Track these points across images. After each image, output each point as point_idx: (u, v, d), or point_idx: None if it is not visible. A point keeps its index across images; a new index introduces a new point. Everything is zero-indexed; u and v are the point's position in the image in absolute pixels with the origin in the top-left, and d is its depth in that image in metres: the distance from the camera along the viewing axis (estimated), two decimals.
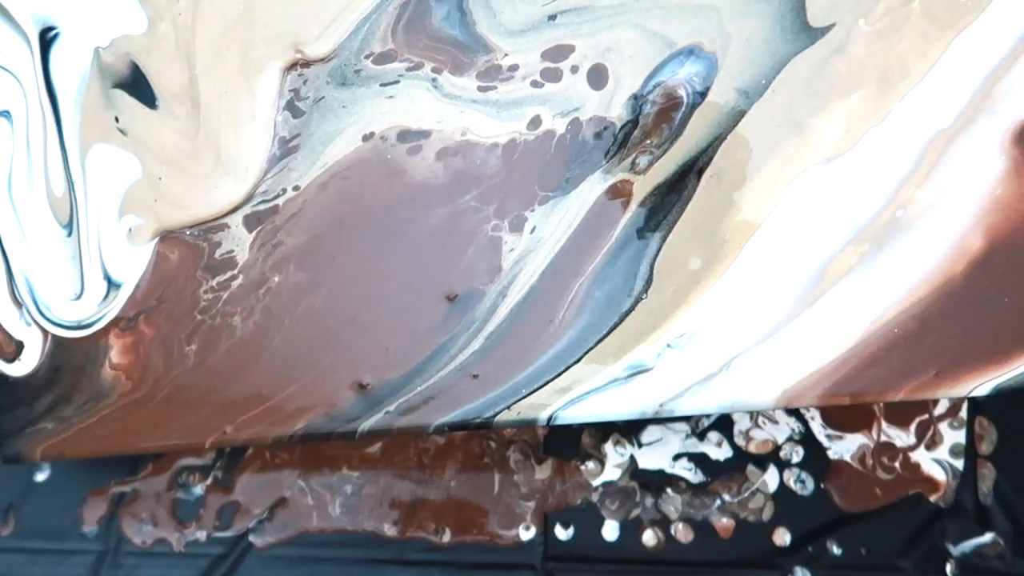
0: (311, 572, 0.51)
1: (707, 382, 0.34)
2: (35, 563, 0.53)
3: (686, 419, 0.48)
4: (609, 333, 0.34)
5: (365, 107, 0.34)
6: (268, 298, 0.36)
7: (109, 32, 0.35)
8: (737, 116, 0.33)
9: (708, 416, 0.49)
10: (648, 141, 0.33)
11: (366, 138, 0.34)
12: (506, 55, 0.33)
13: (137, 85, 0.35)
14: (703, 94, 0.33)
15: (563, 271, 0.34)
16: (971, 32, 0.32)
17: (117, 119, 0.35)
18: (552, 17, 0.33)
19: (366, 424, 0.36)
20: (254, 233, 0.36)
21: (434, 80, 0.34)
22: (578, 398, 0.35)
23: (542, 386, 0.35)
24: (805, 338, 0.34)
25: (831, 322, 0.33)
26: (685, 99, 0.33)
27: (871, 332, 0.33)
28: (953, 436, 0.49)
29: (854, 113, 0.32)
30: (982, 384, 0.33)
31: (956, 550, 0.48)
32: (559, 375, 0.35)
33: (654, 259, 0.34)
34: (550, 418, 0.35)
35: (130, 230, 0.36)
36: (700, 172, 0.33)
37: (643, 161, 0.33)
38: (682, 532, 0.49)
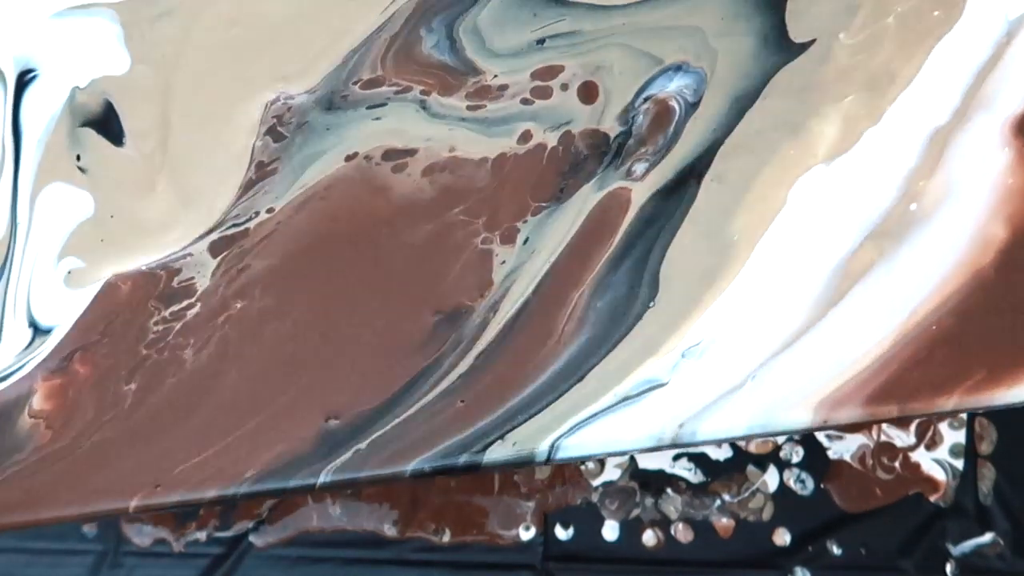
0: (311, 572, 0.55)
1: (731, 396, 0.36)
2: (35, 563, 0.57)
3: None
4: (615, 346, 0.37)
5: (350, 129, 0.39)
6: (228, 326, 0.38)
7: (89, 73, 0.40)
8: (732, 122, 0.38)
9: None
10: (643, 149, 0.38)
11: (349, 158, 0.39)
12: (496, 76, 0.39)
13: (107, 123, 0.40)
14: (695, 104, 0.38)
15: (560, 282, 0.37)
16: (949, 39, 0.38)
17: (79, 157, 0.40)
18: (540, 42, 0.40)
19: (331, 466, 0.35)
20: (219, 259, 0.39)
21: (423, 102, 0.39)
22: (583, 422, 0.36)
23: (540, 410, 0.36)
24: (835, 340, 0.36)
25: (860, 322, 0.36)
26: (677, 109, 0.38)
27: (907, 331, 0.36)
28: (953, 436, 0.54)
29: (848, 115, 0.38)
30: None
31: (956, 550, 0.53)
32: (560, 396, 0.36)
33: (659, 264, 0.37)
34: (551, 449, 0.35)
35: (69, 272, 0.39)
36: (700, 176, 0.38)
37: (639, 168, 0.38)
38: (682, 532, 0.53)
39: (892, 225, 0.38)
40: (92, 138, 0.41)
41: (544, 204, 0.39)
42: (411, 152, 0.40)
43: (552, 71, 0.41)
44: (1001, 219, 0.38)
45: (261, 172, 0.41)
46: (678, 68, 0.41)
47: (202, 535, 0.56)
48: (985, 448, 0.53)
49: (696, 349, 0.37)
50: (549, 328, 0.38)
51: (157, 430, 0.38)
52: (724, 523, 0.53)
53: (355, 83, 0.41)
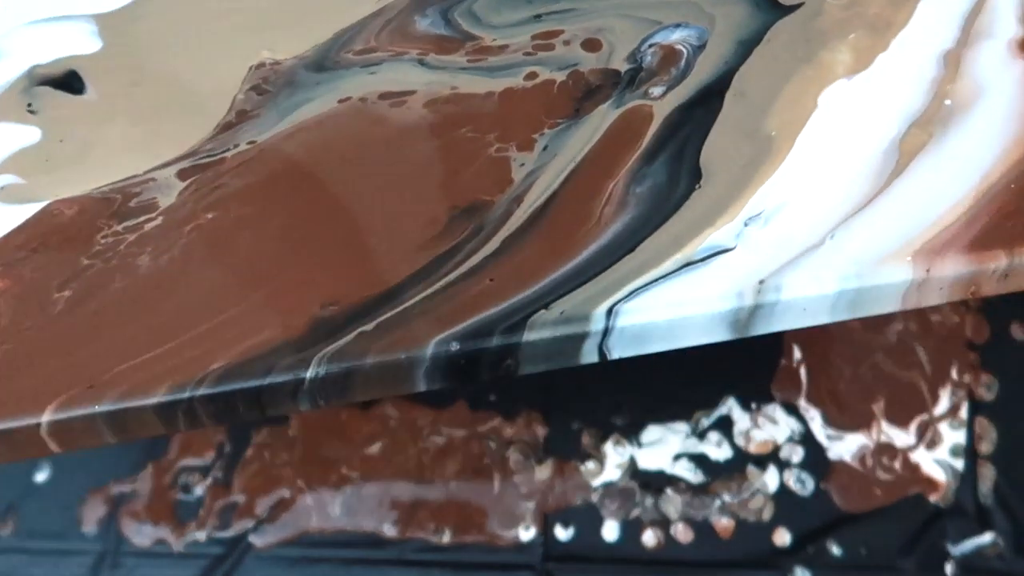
0: (311, 572, 0.59)
1: (811, 254, 0.36)
2: (35, 563, 0.62)
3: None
4: (665, 221, 0.36)
5: (343, 81, 0.42)
6: (194, 234, 0.36)
7: (53, 53, 0.43)
8: (741, 58, 0.43)
9: (708, 416, 0.61)
10: (657, 78, 0.41)
11: (342, 101, 0.41)
12: (494, 40, 0.43)
13: (68, 82, 0.42)
14: (701, 47, 0.42)
15: (591, 175, 0.39)
16: None
17: (30, 104, 0.40)
18: (538, 16, 0.45)
19: (327, 351, 0.31)
20: (188, 181, 0.38)
21: (421, 60, 0.42)
22: (643, 287, 0.34)
23: (587, 280, 0.34)
24: (912, 201, 0.37)
25: (932, 186, 0.38)
26: (685, 52, 0.44)
27: (985, 190, 0.38)
28: (953, 436, 0.60)
29: (856, 47, 0.43)
30: None
31: (956, 550, 0.57)
32: (609, 267, 0.34)
33: (697, 157, 0.40)
34: (609, 315, 0.32)
35: (2, 188, 0.37)
36: (722, 92, 0.41)
37: (656, 91, 0.41)
38: (682, 532, 0.57)
39: (933, 115, 0.42)
40: (49, 92, 0.43)
41: (560, 120, 0.41)
42: (410, 92, 0.43)
43: (551, 34, 0.46)
44: None
45: (241, 117, 0.42)
46: (678, 25, 0.46)
47: (202, 535, 0.61)
48: (985, 448, 0.59)
49: (758, 218, 0.37)
50: (585, 212, 0.38)
51: (94, 332, 0.34)
52: (724, 523, 0.57)
53: (347, 52, 0.45)
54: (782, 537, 0.59)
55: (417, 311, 0.37)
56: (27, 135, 0.43)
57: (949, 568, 0.59)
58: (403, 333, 0.36)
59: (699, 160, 0.43)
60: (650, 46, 0.49)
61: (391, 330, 0.36)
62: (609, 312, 0.37)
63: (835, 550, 0.59)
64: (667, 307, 0.37)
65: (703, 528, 0.59)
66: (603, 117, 0.45)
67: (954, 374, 0.71)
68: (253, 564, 0.62)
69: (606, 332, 0.37)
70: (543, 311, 0.37)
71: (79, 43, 0.48)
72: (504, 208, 0.41)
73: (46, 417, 0.35)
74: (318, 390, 0.36)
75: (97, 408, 0.34)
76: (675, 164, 0.43)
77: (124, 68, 0.46)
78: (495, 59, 0.48)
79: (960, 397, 0.69)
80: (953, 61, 0.48)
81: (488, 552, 0.60)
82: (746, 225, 0.40)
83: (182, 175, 0.43)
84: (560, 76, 0.47)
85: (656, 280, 0.38)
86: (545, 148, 0.44)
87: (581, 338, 0.36)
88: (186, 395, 0.35)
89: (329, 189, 0.41)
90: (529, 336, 0.36)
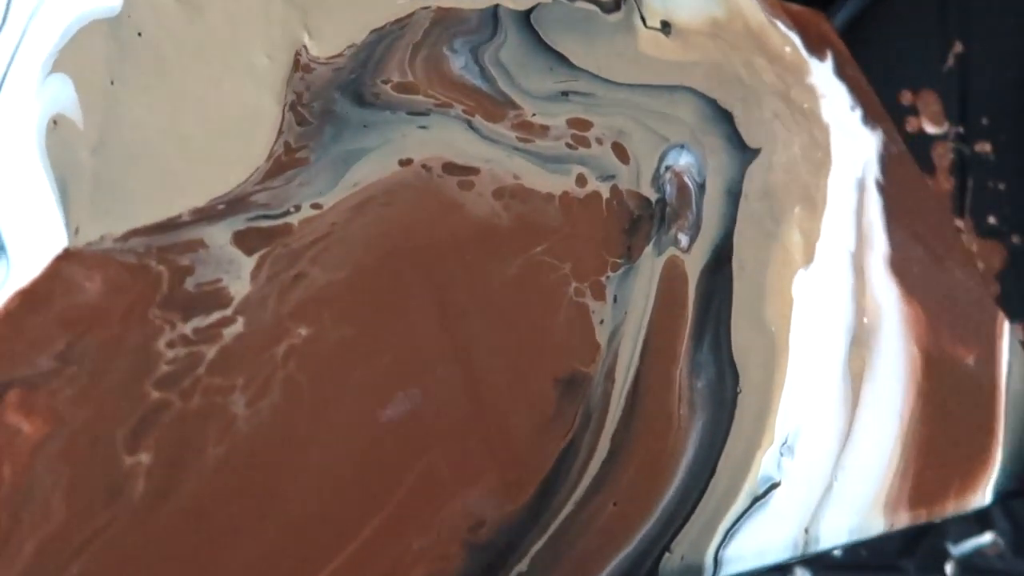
0: None
1: (829, 498, 0.37)
2: None
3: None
4: (728, 435, 0.36)
5: (393, 131, 0.35)
6: (292, 364, 0.25)
7: None
8: (732, 215, 0.42)
9: None
10: (680, 221, 0.40)
11: (403, 163, 0.32)
12: (534, 115, 0.38)
13: None
14: (702, 186, 0.41)
15: (659, 354, 0.37)
16: (832, 178, 0.49)
17: None
18: (565, 94, 0.40)
19: None
20: (256, 257, 0.27)
21: (469, 122, 0.37)
22: (732, 528, 0.34)
23: (691, 511, 0.33)
24: (871, 445, 0.40)
25: (877, 427, 0.41)
26: (692, 187, 0.42)
27: (904, 437, 0.42)
28: None
29: (802, 226, 0.45)
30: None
31: (956, 550, 0.59)
32: (703, 494, 0.33)
33: (730, 347, 0.39)
34: (716, 563, 0.31)
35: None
36: (729, 259, 0.40)
37: (684, 240, 0.40)
38: None
39: (860, 335, 0.46)
40: None
41: (619, 260, 0.37)
42: (473, 171, 0.35)
43: (584, 124, 0.41)
44: (913, 340, 0.49)
45: (291, 157, 0.30)
46: (682, 147, 0.44)
47: None
48: None
49: (787, 448, 0.39)
50: (666, 410, 0.36)
51: (196, 547, 0.22)
52: None
53: (385, 83, 0.35)
54: None
55: (563, 544, 0.31)
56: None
57: (949, 568, 0.58)
58: None
59: (732, 352, 0.42)
60: (666, 169, 0.46)
61: (546, 571, 0.30)
62: (716, 559, 0.35)
63: (835, 550, 0.57)
64: (754, 557, 0.37)
65: None
66: (652, 265, 0.42)
67: None
68: None
69: (714, 574, 0.35)
70: (668, 554, 0.34)
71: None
72: (602, 387, 0.36)
73: None
74: None
75: None
76: (717, 353, 0.41)
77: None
78: (543, 144, 0.41)
79: None
80: (858, 267, 0.53)
81: None
82: (782, 455, 0.41)
83: (242, 244, 0.29)
84: (604, 189, 0.42)
85: (738, 519, 0.37)
86: (615, 300, 0.39)
87: (698, 573, 0.34)
88: None
89: (429, 315, 0.32)
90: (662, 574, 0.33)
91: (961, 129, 0.76)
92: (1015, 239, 0.74)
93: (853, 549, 0.62)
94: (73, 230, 0.27)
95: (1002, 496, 0.51)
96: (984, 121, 0.77)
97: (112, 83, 0.30)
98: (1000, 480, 0.54)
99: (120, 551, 0.23)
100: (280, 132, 0.33)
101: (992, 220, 0.74)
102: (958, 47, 0.79)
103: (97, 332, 0.26)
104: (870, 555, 0.62)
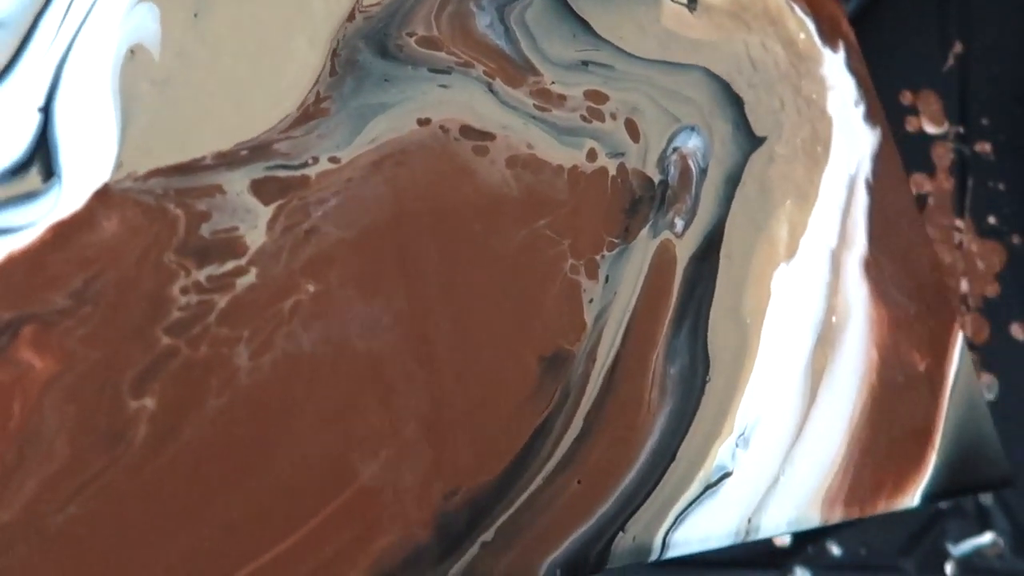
0: None
1: (774, 492, 0.38)
2: None
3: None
4: (691, 422, 0.36)
5: (414, 88, 0.34)
6: (297, 320, 0.25)
7: None
8: (727, 202, 0.42)
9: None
10: (678, 204, 0.40)
11: (422, 123, 0.32)
12: (553, 83, 0.38)
13: None
14: (705, 171, 0.41)
15: (640, 337, 0.38)
16: (826, 174, 0.49)
17: None
18: (585, 64, 0.39)
19: (456, 568, 0.26)
20: (273, 207, 0.26)
21: (490, 85, 0.37)
22: (682, 513, 0.35)
23: (648, 495, 0.34)
24: (820, 442, 0.41)
25: (828, 425, 0.42)
26: (694, 171, 0.42)
27: (851, 437, 0.43)
28: None
29: (790, 219, 0.46)
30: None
31: (956, 550, 0.58)
32: (661, 479, 0.34)
33: (706, 336, 0.39)
34: (664, 545, 0.33)
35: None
36: (717, 249, 0.40)
37: (679, 224, 0.40)
38: None
39: (827, 333, 0.47)
40: None
41: (615, 240, 0.37)
42: (490, 136, 0.35)
43: (600, 96, 0.41)
44: (873, 342, 0.50)
45: (316, 107, 0.30)
46: (692, 129, 0.44)
47: None
48: None
49: (744, 439, 0.39)
50: (638, 394, 0.36)
51: (192, 494, 0.22)
52: None
53: (410, 35, 0.34)
54: (782, 537, 0.57)
55: (527, 518, 0.32)
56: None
57: (949, 568, 0.57)
58: (519, 552, 0.31)
59: (708, 340, 0.42)
60: (674, 150, 0.45)
61: (508, 543, 0.31)
62: (664, 542, 0.36)
63: (835, 550, 0.56)
64: (698, 543, 0.38)
65: None
66: (645, 246, 0.41)
67: None
68: None
69: (660, 556, 0.36)
70: (621, 534, 0.35)
71: None
72: (582, 367, 0.36)
73: None
74: None
75: None
76: (693, 342, 0.41)
77: None
78: (559, 115, 0.40)
79: None
80: (836, 264, 0.53)
81: None
82: (737, 446, 0.41)
83: (260, 193, 0.28)
84: (612, 167, 0.41)
85: (690, 505, 0.38)
86: (607, 280, 0.39)
87: (638, 566, 0.35)
88: None
89: (432, 279, 0.32)
90: (610, 564, 0.34)
91: (961, 129, 0.74)
92: (1015, 239, 0.73)
93: (853, 549, 0.61)
94: (118, 164, 0.26)
95: (928, 499, 0.54)
96: (984, 121, 0.76)
97: (196, 15, 0.29)
98: (929, 485, 0.56)
99: (116, 495, 0.24)
100: (317, 81, 0.32)
101: (992, 220, 0.73)
102: (958, 47, 0.78)
103: (112, 273, 0.25)
104: (870, 555, 0.60)
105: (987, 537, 0.63)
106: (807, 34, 0.60)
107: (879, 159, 0.61)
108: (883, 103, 0.73)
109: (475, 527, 0.32)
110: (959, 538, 0.62)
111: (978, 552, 0.62)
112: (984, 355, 0.69)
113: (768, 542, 0.60)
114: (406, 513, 0.30)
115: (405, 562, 0.29)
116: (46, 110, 0.26)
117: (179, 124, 0.28)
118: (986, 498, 0.66)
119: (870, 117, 0.62)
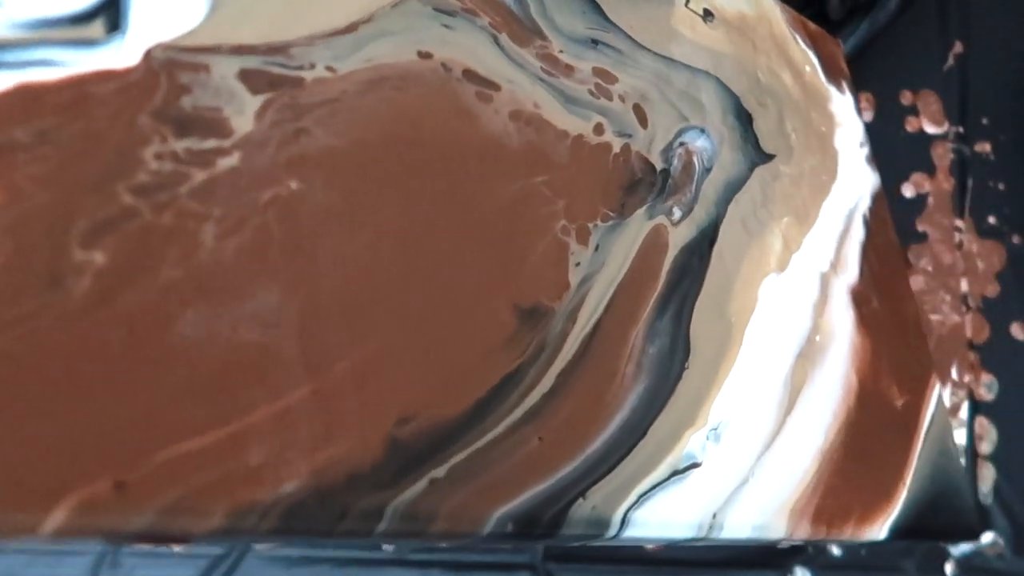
0: (311, 572, 0.56)
1: (741, 492, 0.35)
2: (35, 563, 0.57)
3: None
4: (665, 404, 0.34)
5: (416, 20, 0.31)
6: (271, 212, 0.23)
7: None
8: (725, 205, 0.40)
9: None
10: (678, 195, 0.38)
11: (422, 55, 0.30)
12: (561, 51, 0.36)
13: None
14: (708, 171, 0.40)
15: (623, 310, 0.36)
16: (829, 201, 0.47)
17: None
18: (595, 42, 0.38)
19: (403, 498, 0.24)
20: (261, 99, 0.24)
21: (495, 38, 0.35)
22: (645, 494, 0.32)
23: (612, 467, 0.31)
24: (794, 452, 0.39)
25: (802, 439, 0.39)
26: (698, 167, 0.40)
27: (823, 456, 0.40)
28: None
29: (786, 234, 0.44)
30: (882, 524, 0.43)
31: (956, 550, 0.56)
32: (628, 454, 0.32)
33: (689, 324, 0.37)
34: (623, 522, 0.30)
35: None
36: (711, 246, 0.38)
37: (677, 213, 0.38)
38: None
39: (810, 350, 0.45)
40: None
41: (610, 213, 0.35)
42: (495, 86, 0.33)
43: (609, 76, 0.40)
44: (854, 368, 0.48)
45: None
46: (702, 130, 0.42)
47: None
48: (985, 448, 0.58)
49: (716, 433, 0.37)
50: (614, 365, 0.34)
51: (129, 358, 0.20)
52: None
53: None
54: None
55: (483, 463, 0.29)
56: None
57: (949, 568, 0.55)
58: (469, 494, 0.28)
59: (690, 329, 0.40)
60: (680, 145, 0.43)
61: (458, 484, 0.28)
62: (623, 519, 0.34)
63: (835, 550, 0.55)
64: (657, 527, 0.35)
65: None
66: (639, 226, 0.39)
67: (954, 374, 0.66)
68: (253, 564, 0.55)
69: (617, 533, 0.33)
70: (581, 500, 0.32)
71: None
72: (561, 326, 0.34)
73: (49, 526, 0.20)
74: (382, 538, 0.26)
75: (129, 524, 0.21)
76: (675, 327, 0.39)
77: None
78: (567, 83, 0.38)
79: (960, 397, 0.63)
80: (825, 286, 0.51)
81: (488, 552, 0.54)
82: (708, 439, 0.39)
83: (249, 82, 0.26)
84: (617, 145, 0.39)
85: (654, 487, 0.35)
86: (597, 249, 0.37)
87: (595, 537, 0.32)
88: (244, 532, 0.23)
89: (417, 204, 0.29)
90: (566, 529, 0.31)
91: (961, 129, 0.72)
92: (1015, 239, 0.71)
93: (853, 549, 0.59)
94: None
95: (895, 534, 0.51)
96: (984, 121, 0.74)
97: None
98: (898, 520, 0.53)
99: (45, 341, 0.21)
100: None
101: (992, 220, 0.71)
102: (958, 47, 0.76)
103: (82, 122, 0.23)
104: (870, 555, 0.59)
105: (987, 537, 0.61)
106: (812, 68, 0.58)
107: (877, 201, 0.59)
108: (883, 103, 0.70)
109: (426, 460, 0.29)
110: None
111: (978, 552, 0.61)
112: (984, 355, 0.66)
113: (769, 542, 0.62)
114: (361, 428, 0.27)
115: (348, 480, 0.27)
116: None
117: (249, 5, 0.26)
118: (986, 498, 0.63)
119: (871, 161, 0.61)
